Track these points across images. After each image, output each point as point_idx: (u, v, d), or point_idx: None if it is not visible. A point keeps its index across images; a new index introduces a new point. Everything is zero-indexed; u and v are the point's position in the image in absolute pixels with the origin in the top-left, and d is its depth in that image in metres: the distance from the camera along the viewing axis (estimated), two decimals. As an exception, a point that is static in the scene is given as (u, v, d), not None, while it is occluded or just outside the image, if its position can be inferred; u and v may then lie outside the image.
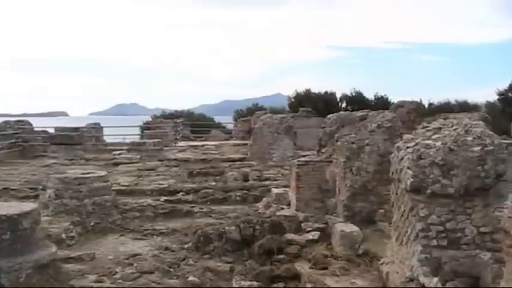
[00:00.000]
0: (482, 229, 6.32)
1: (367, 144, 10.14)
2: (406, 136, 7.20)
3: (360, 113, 11.38)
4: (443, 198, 6.36)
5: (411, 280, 6.50)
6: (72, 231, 10.19)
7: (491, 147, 6.43)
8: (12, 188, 15.58)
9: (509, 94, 31.48)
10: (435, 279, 6.04)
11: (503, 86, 32.31)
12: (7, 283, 6.32)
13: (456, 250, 6.29)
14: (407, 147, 6.78)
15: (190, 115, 46.15)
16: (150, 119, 43.40)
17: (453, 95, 48.33)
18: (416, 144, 6.69)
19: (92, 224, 11.02)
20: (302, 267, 8.48)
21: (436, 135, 6.74)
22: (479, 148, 6.40)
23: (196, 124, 41.01)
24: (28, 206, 7.36)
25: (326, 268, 8.34)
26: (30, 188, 15.39)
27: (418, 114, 24.33)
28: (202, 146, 28.92)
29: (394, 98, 37.97)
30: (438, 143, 6.53)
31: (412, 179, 6.46)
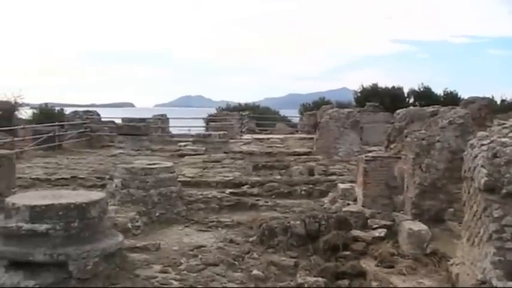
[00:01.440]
0: (560, 232, 6.03)
1: (438, 141, 9.88)
2: (480, 133, 6.94)
3: (430, 109, 11.09)
4: (520, 199, 6.09)
5: (483, 283, 6.27)
6: (137, 221, 10.30)
7: None
8: (80, 176, 15.91)
9: None
10: (510, 283, 5.81)
11: None
12: (75, 270, 6.39)
13: (532, 253, 6.03)
14: (482, 145, 6.53)
15: (255, 108, 46.25)
16: (215, 112, 43.73)
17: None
18: (492, 142, 6.44)
19: (157, 214, 11.12)
20: (368, 264, 8.36)
21: (513, 133, 6.48)
22: (559, 147, 6.11)
23: (262, 117, 41.06)
24: (96, 195, 7.44)
25: (392, 267, 8.20)
26: (98, 177, 15.67)
27: (489, 110, 23.69)
28: (268, 139, 28.90)
29: (464, 94, 37.04)
30: (515, 141, 6.26)
31: (486, 178, 6.22)
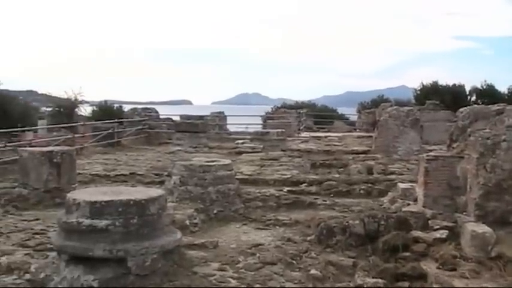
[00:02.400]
0: None
1: (504, 140, 9.56)
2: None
3: (495, 107, 10.76)
4: None
5: (552, 289, 6.04)
6: (195, 218, 10.34)
7: None
8: (139, 173, 16.11)
9: None
10: None
11: None
12: (133, 266, 6.44)
13: None
14: (552, 145, 6.28)
15: (312, 106, 46.13)
16: (272, 109, 43.81)
17: None
18: (562, 142, 6.19)
19: (215, 211, 11.16)
20: (429, 266, 8.15)
21: None
22: None
23: (319, 115, 40.90)
24: (155, 191, 7.49)
25: (455, 269, 7.97)
26: (156, 174, 15.83)
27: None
28: (325, 137, 28.75)
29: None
30: None
31: (556, 180, 5.98)
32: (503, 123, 9.81)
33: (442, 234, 9.35)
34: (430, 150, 14.38)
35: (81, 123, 27.31)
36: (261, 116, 40.28)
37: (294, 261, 8.15)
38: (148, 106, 34.20)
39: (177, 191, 11.37)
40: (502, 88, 39.15)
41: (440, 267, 8.12)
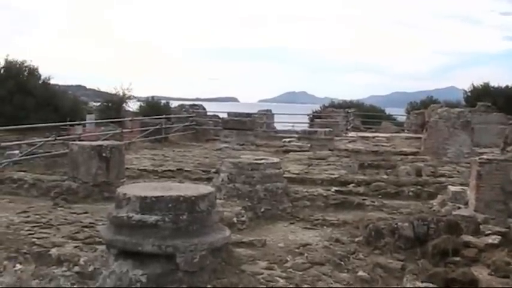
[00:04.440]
0: None
1: (561, 145, 9.35)
2: None
3: (552, 110, 10.51)
4: None
5: None
6: (243, 216, 10.32)
7: None
8: (186, 169, 16.18)
9: None
10: None
11: None
12: (182, 262, 6.46)
13: None
14: None
15: (360, 106, 45.81)
16: (319, 108, 43.67)
17: None
18: None
19: (262, 210, 11.12)
20: (480, 272, 7.97)
21: None
22: None
23: (367, 115, 40.58)
24: (205, 188, 7.49)
25: (508, 277, 7.79)
26: (203, 171, 15.89)
27: None
28: (373, 137, 28.49)
29: None
30: None
31: None
32: (561, 127, 9.57)
33: (495, 239, 9.15)
34: (481, 153, 14.11)
35: (129, 118, 27.63)
36: (308, 114, 40.18)
37: (342, 262, 8.08)
38: (195, 103, 34.41)
39: (225, 188, 11.38)
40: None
41: (492, 273, 7.95)
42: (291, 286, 6.88)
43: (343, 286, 7.15)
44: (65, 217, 10.04)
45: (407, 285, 7.26)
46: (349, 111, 37.04)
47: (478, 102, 32.24)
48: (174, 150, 22.05)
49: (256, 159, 12.10)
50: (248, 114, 29.19)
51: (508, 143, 11.08)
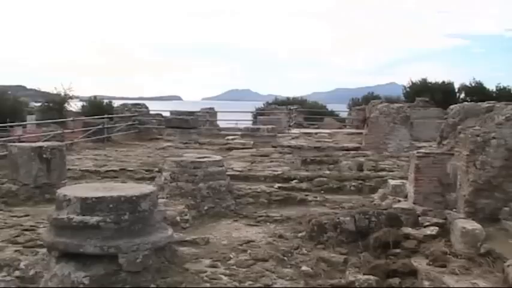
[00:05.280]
0: None
1: (494, 138, 9.62)
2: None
3: (485, 104, 10.82)
4: None
5: (541, 285, 6.08)
6: (186, 215, 10.30)
7: None
8: (129, 169, 16.06)
9: None
10: None
11: None
12: (125, 263, 6.43)
13: None
14: (542, 143, 6.32)
15: (303, 102, 46.18)
16: (262, 105, 43.85)
17: None
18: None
19: (206, 208, 11.12)
20: (419, 263, 8.17)
21: None
22: None
23: (310, 111, 40.95)
24: (147, 188, 7.48)
25: (445, 266, 8.01)
26: (146, 170, 15.79)
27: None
28: (316, 133, 28.78)
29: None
30: None
31: (546, 177, 6.02)
32: (493, 120, 9.87)
33: (433, 231, 9.40)
34: (420, 147, 14.46)
35: (71, 118, 27.22)
36: (251, 112, 40.31)
37: (285, 258, 8.16)
38: (138, 102, 34.12)
39: (168, 187, 11.35)
40: (491, 86, 39.35)
41: (431, 263, 8.16)
42: (234, 283, 6.93)
43: (287, 281, 7.23)
44: (4, 220, 9.87)
45: (350, 278, 7.37)
46: (292, 108, 37.30)
47: (417, 98, 32.94)
48: (117, 150, 21.83)
49: (199, 158, 12.10)
50: (191, 113, 29.10)
51: (444, 137, 11.34)
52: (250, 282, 6.98)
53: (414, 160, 11.19)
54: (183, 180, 11.34)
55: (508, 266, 7.15)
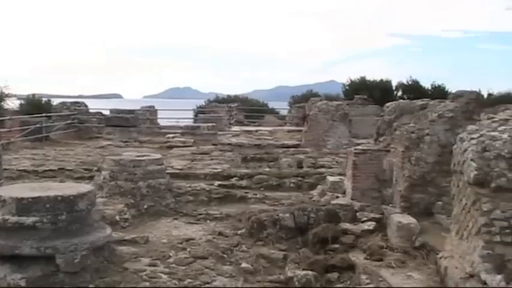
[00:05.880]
0: (551, 227, 6.05)
1: (427, 134, 9.90)
2: (469, 127, 6.95)
3: (419, 102, 11.09)
4: (509, 193, 6.11)
5: (471, 276, 6.29)
6: (126, 214, 10.25)
7: None
8: (68, 168, 15.78)
9: None
10: (498, 276, 5.82)
11: None
12: (63, 264, 6.37)
13: (521, 247, 6.04)
14: (472, 139, 6.54)
15: (244, 100, 46.24)
16: (204, 103, 43.73)
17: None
18: (481, 135, 6.46)
19: (145, 206, 11.08)
20: (357, 257, 8.36)
21: (503, 127, 6.49)
22: (548, 141, 6.13)
23: (250, 109, 41.05)
24: (84, 187, 7.42)
25: (381, 260, 8.23)
26: (85, 169, 15.56)
27: (477, 104, 23.73)
28: (256, 131, 28.87)
29: (452, 88, 37.11)
30: (505, 135, 6.28)
31: (476, 172, 6.24)
32: (426, 117, 10.13)
33: (370, 225, 9.62)
34: (359, 144, 14.65)
35: (8, 117, 26.56)
36: (192, 110, 40.16)
37: (225, 255, 8.22)
38: (78, 100, 33.51)
39: (107, 186, 11.24)
40: (427, 84, 40.32)
41: (368, 257, 8.36)
42: (173, 281, 6.93)
43: (226, 278, 7.28)
44: None
45: (288, 274, 7.46)
46: (232, 105, 37.33)
47: (356, 96, 33.42)
48: (55, 149, 21.39)
49: (138, 156, 12.03)
50: (131, 111, 28.80)
51: (380, 134, 11.56)
52: (190, 280, 7.00)
53: (352, 157, 11.39)
54: (122, 179, 11.26)
55: (440, 258, 7.37)
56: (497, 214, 6.09)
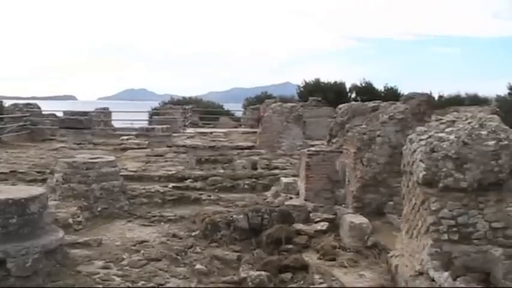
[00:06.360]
0: (494, 224, 6.22)
1: (379, 136, 10.07)
2: (418, 128, 7.12)
3: (371, 104, 11.28)
4: (456, 192, 6.28)
5: (421, 274, 6.44)
6: (79, 216, 10.17)
7: (506, 142, 6.34)
8: (20, 171, 15.53)
9: (521, 88, 31.00)
10: (445, 273, 5.96)
11: (515, 80, 31.72)
12: (14, 268, 6.29)
13: (467, 245, 6.20)
14: (420, 140, 6.70)
15: (199, 102, 46.15)
16: (159, 105, 43.48)
17: (464, 88, 48.17)
18: (430, 136, 6.61)
19: (99, 209, 11.02)
20: (310, 257, 8.46)
21: (450, 128, 6.65)
22: (493, 142, 6.31)
23: (205, 111, 40.99)
24: (36, 190, 7.34)
25: (334, 259, 8.34)
26: (38, 172, 15.33)
27: (428, 106, 24.18)
28: (211, 133, 28.85)
29: (404, 90, 37.68)
30: (452, 136, 6.44)
31: (424, 172, 6.39)
32: (378, 119, 10.30)
33: (323, 226, 9.74)
34: (313, 145, 14.79)
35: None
36: (147, 112, 39.90)
37: (179, 257, 8.23)
38: (31, 101, 32.95)
39: (60, 189, 11.13)
40: (379, 86, 40.85)
41: (321, 257, 8.47)
42: (127, 283, 6.92)
43: (180, 280, 7.29)
44: None
45: (242, 275, 7.51)
46: (187, 107, 37.21)
47: (310, 97, 33.65)
48: (7, 152, 20.99)
49: (91, 158, 11.94)
50: (85, 113, 28.46)
51: (333, 135, 11.71)
52: (143, 282, 7.00)
53: (305, 158, 11.51)
54: (75, 182, 11.17)
55: (391, 256, 7.52)
56: (445, 213, 6.25)
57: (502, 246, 6.12)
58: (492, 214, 6.25)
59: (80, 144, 23.39)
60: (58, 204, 10.37)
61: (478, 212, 6.27)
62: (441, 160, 6.33)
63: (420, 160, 6.49)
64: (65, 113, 28.55)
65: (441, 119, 7.06)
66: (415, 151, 6.73)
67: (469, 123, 6.65)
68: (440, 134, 6.57)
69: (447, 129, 6.66)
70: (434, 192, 6.35)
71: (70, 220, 9.80)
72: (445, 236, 6.24)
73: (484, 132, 6.42)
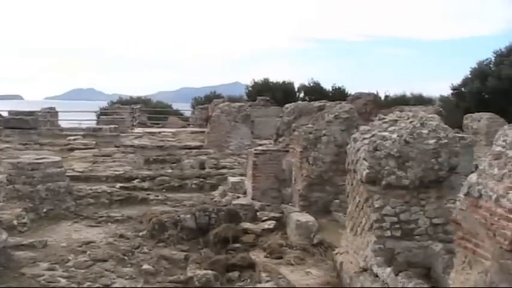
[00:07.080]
0: (434, 220, 6.42)
1: (324, 135, 10.20)
2: (362, 127, 7.26)
3: (317, 104, 11.42)
4: (398, 190, 6.43)
5: (365, 270, 6.58)
6: (24, 218, 10.02)
7: (446, 141, 6.52)
8: (-39, 173, 15.19)
9: (462, 89, 31.87)
10: (388, 269, 6.10)
11: (457, 81, 32.66)
12: (-45, 271, 6.18)
13: (409, 241, 6.38)
14: (364, 139, 6.82)
15: (147, 101, 45.80)
16: (107, 105, 42.99)
17: (410, 89, 49.07)
18: (373, 135, 6.74)
19: (44, 210, 10.87)
20: (257, 256, 8.51)
21: (392, 127, 6.79)
22: (434, 141, 6.48)
23: (154, 111, 40.72)
24: (-21, 191, 7.21)
25: (281, 257, 8.41)
26: (-18, 174, 15.02)
27: (375, 106, 24.55)
28: (159, 133, 28.64)
29: (352, 90, 38.20)
30: (394, 135, 6.58)
31: (367, 170, 6.51)
32: (324, 118, 10.43)
33: (270, 224, 9.81)
34: (261, 145, 14.86)
35: None
36: (95, 111, 39.41)
37: (125, 257, 8.20)
38: (-26, 101, 32.28)
39: (4, 190, 10.94)
40: (328, 86, 41.30)
41: (268, 256, 8.54)
42: (72, 285, 6.86)
43: (126, 280, 7.27)
44: None
45: (189, 274, 7.53)
46: (136, 107, 36.90)
47: (258, 97, 33.77)
48: None
49: (37, 159, 11.76)
50: (31, 113, 27.94)
51: (280, 135, 11.81)
52: (89, 283, 6.96)
53: (252, 157, 11.57)
54: (20, 183, 10.99)
55: (336, 253, 7.64)
56: (388, 210, 6.40)
57: (442, 241, 6.31)
58: (433, 211, 6.44)
59: (25, 144, 22.96)
60: (2, 205, 10.22)
61: (419, 209, 6.45)
62: (384, 158, 6.47)
63: (364, 159, 6.62)
64: (10, 112, 28.00)
65: (384, 118, 7.21)
66: (358, 150, 6.86)
67: (411, 122, 6.81)
68: (383, 133, 6.71)
69: (390, 128, 6.80)
70: (378, 190, 6.49)
71: (14, 222, 9.65)
72: (388, 233, 6.39)
73: (424, 131, 6.58)
